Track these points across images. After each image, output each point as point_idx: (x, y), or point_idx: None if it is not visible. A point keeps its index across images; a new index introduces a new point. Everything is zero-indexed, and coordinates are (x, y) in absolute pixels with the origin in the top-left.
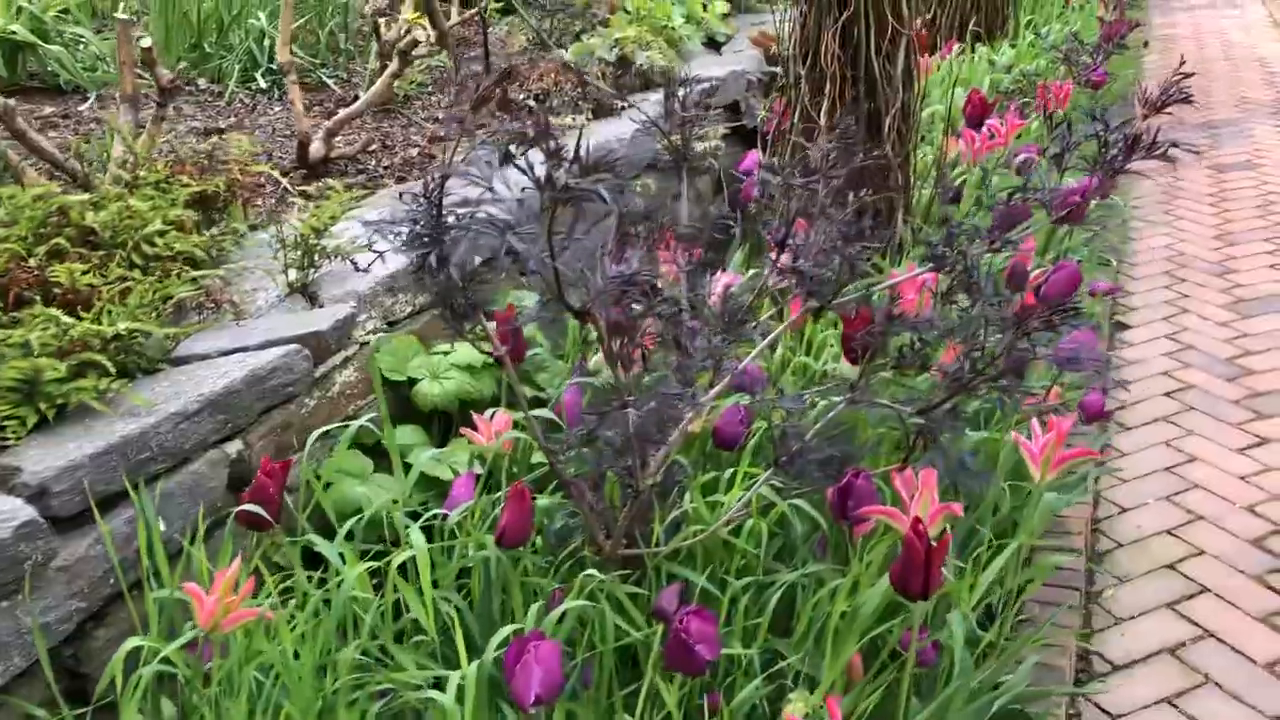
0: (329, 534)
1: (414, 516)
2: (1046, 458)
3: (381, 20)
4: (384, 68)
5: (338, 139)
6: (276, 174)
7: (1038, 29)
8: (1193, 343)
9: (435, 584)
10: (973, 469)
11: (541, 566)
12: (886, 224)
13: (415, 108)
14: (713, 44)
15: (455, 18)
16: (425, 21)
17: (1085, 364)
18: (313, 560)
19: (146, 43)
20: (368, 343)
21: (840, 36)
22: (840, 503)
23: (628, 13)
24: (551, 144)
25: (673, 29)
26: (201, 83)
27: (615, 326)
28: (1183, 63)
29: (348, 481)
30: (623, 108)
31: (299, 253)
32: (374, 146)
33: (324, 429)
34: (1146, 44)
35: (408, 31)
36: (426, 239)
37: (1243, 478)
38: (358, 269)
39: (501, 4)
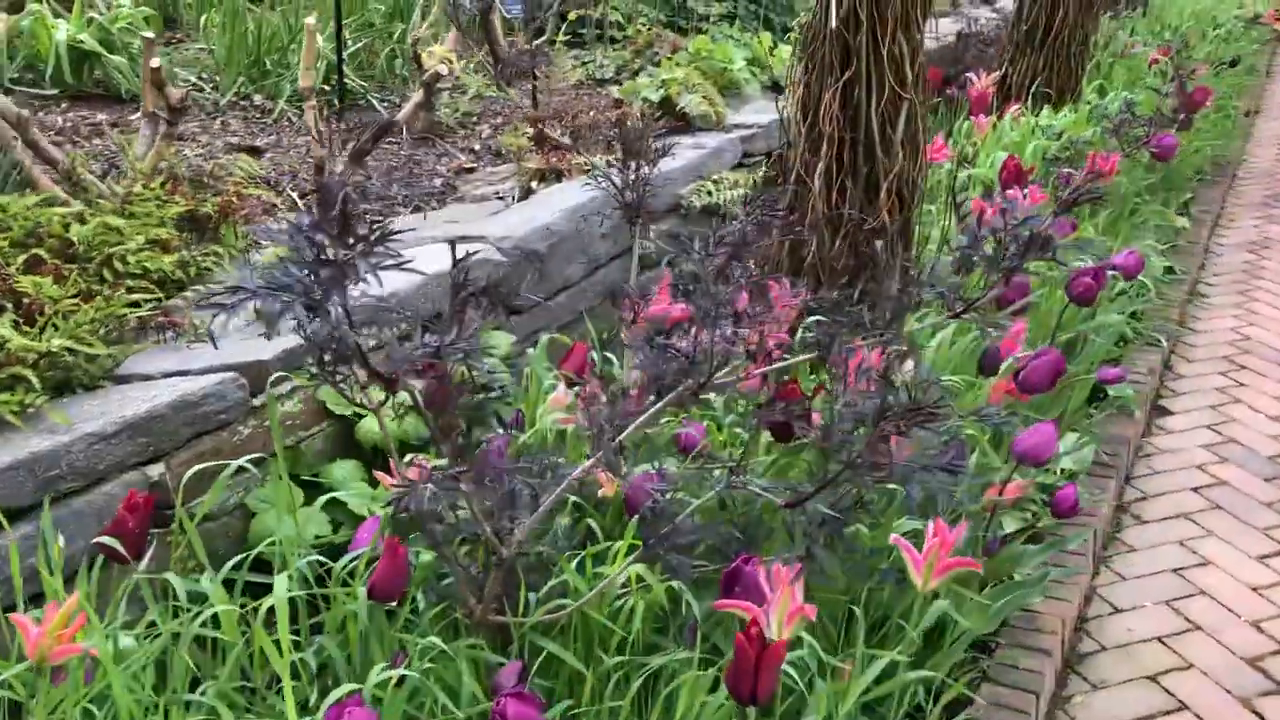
0: (257, 566)
1: (334, 554)
2: (929, 564)
3: (425, 51)
4: (427, 101)
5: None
6: (276, 197)
7: (1104, 94)
8: (1235, 436)
9: (322, 629)
10: (825, 564)
11: (414, 623)
12: (875, 292)
13: (458, 136)
14: (777, 88)
15: (522, 45)
16: (452, 56)
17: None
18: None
19: (155, 63)
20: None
21: (841, 97)
22: (727, 588)
23: (688, 53)
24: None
25: (732, 71)
26: (257, 99)
27: (431, 398)
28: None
29: (271, 514)
30: (657, 150)
31: None
32: (399, 174)
33: (243, 460)
34: (1253, 112)
35: (438, 63)
36: (290, 289)
37: (1255, 589)
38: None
39: (568, 37)
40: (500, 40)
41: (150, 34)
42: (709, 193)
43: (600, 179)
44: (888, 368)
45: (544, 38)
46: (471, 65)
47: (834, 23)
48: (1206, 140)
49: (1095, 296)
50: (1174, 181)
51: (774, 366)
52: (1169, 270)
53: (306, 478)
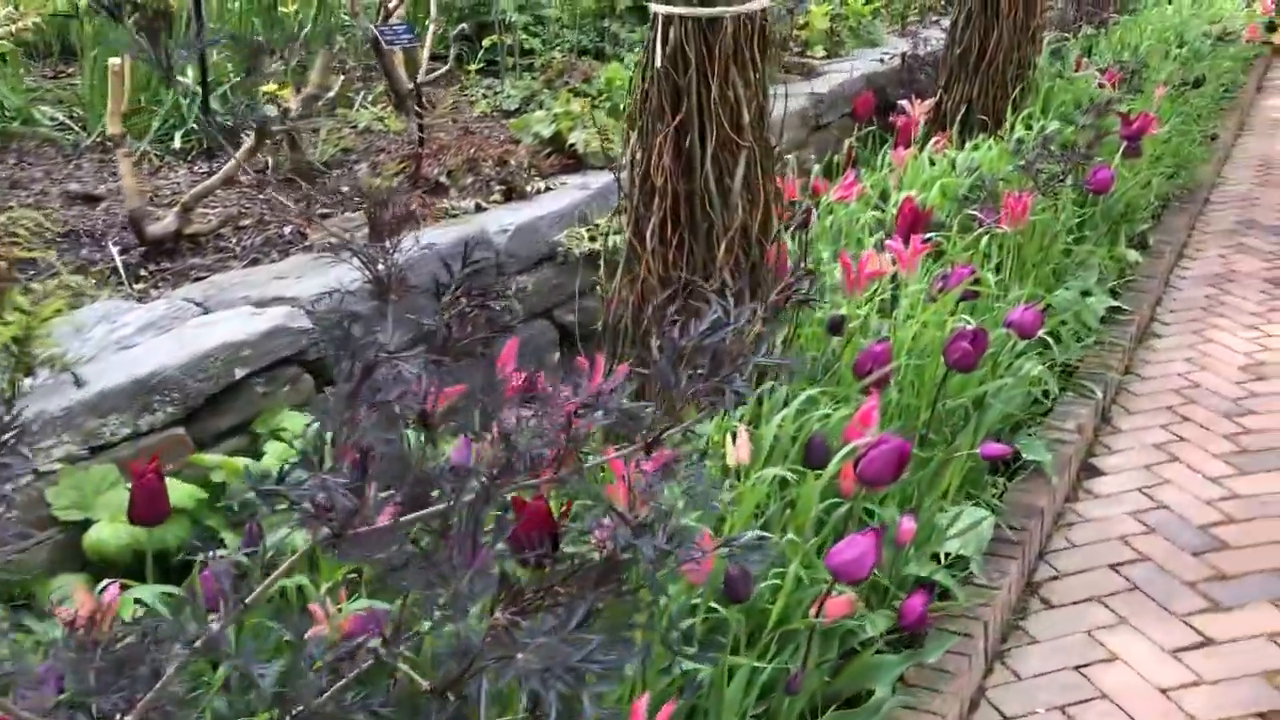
0: None
1: None
2: None
3: (274, 84)
4: (290, 139)
5: (199, 213)
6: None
7: (1035, 123)
8: (1168, 501)
9: None
10: None
11: None
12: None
13: (331, 176)
14: None
15: (424, 75)
16: (288, 93)
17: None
18: None
19: None
20: (53, 471)
21: (674, 144)
22: None
23: (601, 83)
24: None
25: None
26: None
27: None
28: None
29: None
30: (537, 191)
31: (9, 359)
32: (247, 221)
33: None
34: (1214, 137)
35: (269, 102)
36: None
37: (1165, 690)
38: (78, 383)
39: (482, 65)
40: (398, 69)
41: None
42: (592, 238)
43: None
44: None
45: (446, 67)
46: (370, 97)
47: (660, 60)
48: (1157, 170)
49: (974, 362)
50: (1130, 212)
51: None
52: (1116, 310)
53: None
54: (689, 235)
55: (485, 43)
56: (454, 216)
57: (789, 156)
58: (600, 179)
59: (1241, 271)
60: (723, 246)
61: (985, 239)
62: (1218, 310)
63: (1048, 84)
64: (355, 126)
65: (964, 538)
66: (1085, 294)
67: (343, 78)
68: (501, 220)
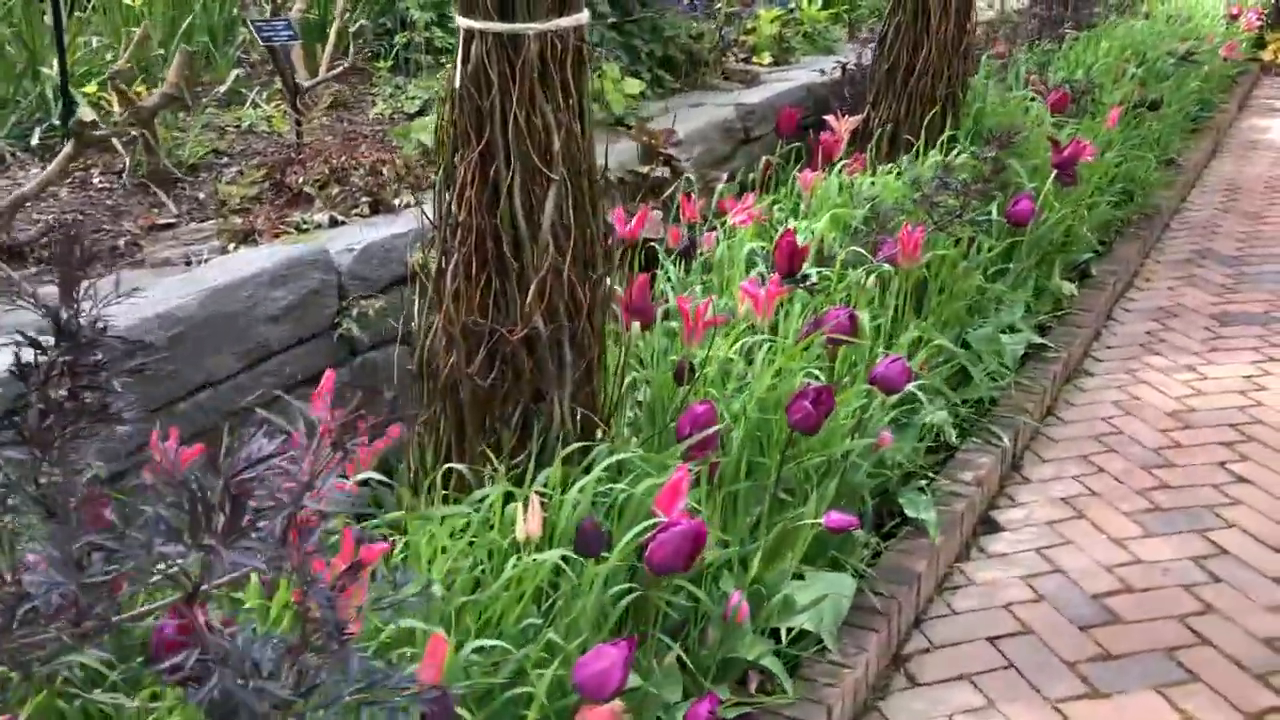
0: None
1: None
2: None
3: (122, 85)
4: (145, 140)
5: (31, 219)
6: None
7: (955, 145)
8: (1065, 565)
9: None
10: None
11: None
12: (523, 428)
13: (195, 181)
14: (623, 125)
15: (324, 72)
16: (113, 97)
17: None
18: None
19: None
20: None
21: (479, 174)
22: None
23: None
24: None
25: None
26: None
27: None
28: None
29: None
30: (407, 205)
31: None
32: (86, 228)
33: None
34: (1170, 161)
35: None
36: None
37: None
38: None
39: (394, 63)
40: (291, 68)
41: None
42: None
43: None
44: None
45: (343, 65)
46: (266, 94)
47: (459, 81)
48: (1100, 199)
49: (817, 423)
50: (1070, 243)
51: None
52: (1042, 348)
53: None
54: (496, 276)
55: (400, 38)
56: (304, 231)
57: (714, 174)
58: None
59: (1188, 305)
60: (533, 289)
61: (873, 277)
62: (1156, 348)
63: (977, 105)
64: (238, 126)
65: (817, 609)
66: (1010, 329)
67: (236, 72)
68: (352, 238)
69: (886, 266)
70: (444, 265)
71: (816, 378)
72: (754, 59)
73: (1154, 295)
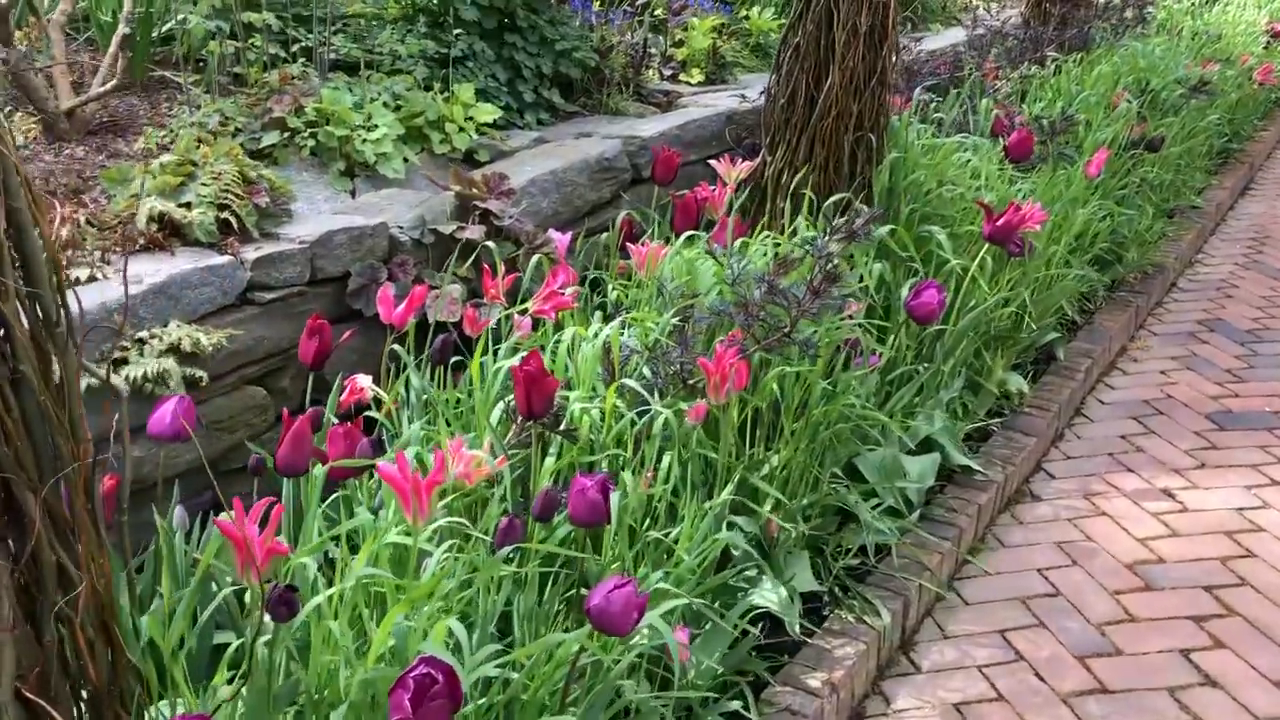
0: None
1: None
2: None
3: None
4: None
5: None
6: None
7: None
8: None
9: None
10: None
11: None
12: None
13: None
14: (471, 161)
15: (97, 88)
16: None
17: None
18: None
19: None
20: None
21: None
22: None
23: (314, 111)
24: None
25: (354, 144)
26: None
27: None
28: None
29: None
30: (90, 279)
31: None
32: None
33: None
34: (1170, 214)
35: None
36: None
37: None
38: None
39: (196, 78)
40: (43, 91)
41: None
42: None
43: None
44: None
45: (110, 85)
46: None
47: None
48: (1065, 274)
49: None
50: (1017, 325)
51: None
52: (967, 470)
53: None
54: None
55: (211, 48)
56: None
57: (546, 236)
58: (187, 263)
59: (1180, 398)
60: None
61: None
62: (1130, 460)
63: (894, 154)
64: None
65: None
66: (925, 447)
67: None
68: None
69: (692, 404)
70: None
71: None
72: (682, 76)
73: (1140, 381)
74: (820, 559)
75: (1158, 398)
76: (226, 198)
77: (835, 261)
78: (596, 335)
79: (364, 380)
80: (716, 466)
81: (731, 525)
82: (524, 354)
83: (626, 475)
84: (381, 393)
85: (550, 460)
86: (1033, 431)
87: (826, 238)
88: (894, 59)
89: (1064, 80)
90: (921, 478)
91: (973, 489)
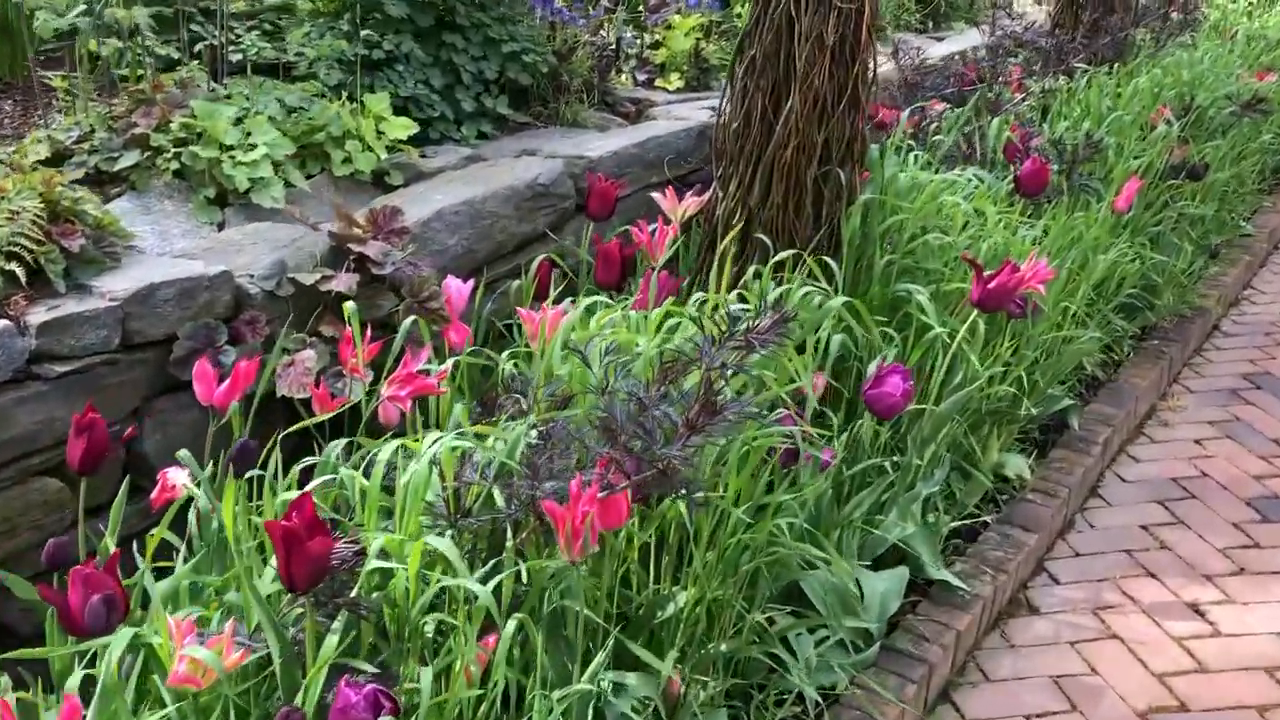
0: None
1: None
2: None
3: None
4: None
5: None
6: None
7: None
8: None
9: None
10: None
11: None
12: None
13: None
14: (382, 184)
15: None
16: None
17: None
18: None
19: None
20: None
21: None
22: None
23: (182, 124)
24: None
25: (222, 167)
26: None
27: None
28: None
29: None
30: None
31: None
32: None
33: None
34: (1214, 254)
35: None
36: None
37: None
38: None
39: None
40: None
41: None
42: None
43: None
44: None
45: None
46: None
47: None
48: (1073, 334)
49: None
50: (1016, 402)
51: None
52: (945, 586)
53: None
54: None
55: (93, 46)
56: None
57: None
58: None
59: (1217, 476)
60: None
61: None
62: (1151, 559)
63: (867, 193)
64: None
65: None
66: (894, 554)
67: None
68: None
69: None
70: None
71: None
72: (659, 82)
73: (1170, 453)
74: (745, 716)
75: (1190, 475)
76: (17, 243)
77: (727, 377)
78: (429, 450)
79: (178, 475)
80: (595, 624)
81: (621, 689)
82: (296, 496)
83: (426, 673)
84: (196, 491)
85: (333, 641)
86: (1034, 525)
87: (715, 344)
88: (871, 76)
89: (1094, 95)
90: (883, 605)
91: (951, 608)
